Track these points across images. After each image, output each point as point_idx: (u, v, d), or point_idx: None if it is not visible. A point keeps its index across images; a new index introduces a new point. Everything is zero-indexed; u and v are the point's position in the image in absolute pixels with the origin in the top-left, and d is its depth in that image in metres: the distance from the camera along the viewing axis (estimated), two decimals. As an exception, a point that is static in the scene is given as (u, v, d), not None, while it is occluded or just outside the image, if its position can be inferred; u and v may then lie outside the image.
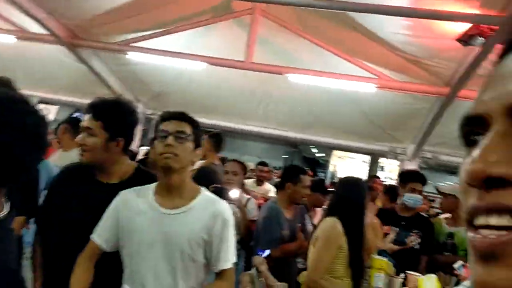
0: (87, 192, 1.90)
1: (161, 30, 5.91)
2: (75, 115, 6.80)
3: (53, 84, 7.61)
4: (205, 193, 1.82)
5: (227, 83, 6.65)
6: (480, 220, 0.37)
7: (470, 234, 0.38)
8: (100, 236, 1.77)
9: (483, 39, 4.01)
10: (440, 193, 3.54)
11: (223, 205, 1.80)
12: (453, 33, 4.33)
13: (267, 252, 2.80)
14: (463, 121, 0.42)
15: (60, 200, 1.92)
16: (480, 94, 0.41)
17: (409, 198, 3.34)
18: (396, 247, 3.15)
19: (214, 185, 3.01)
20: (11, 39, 6.13)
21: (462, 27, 4.19)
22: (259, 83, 6.63)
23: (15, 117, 0.96)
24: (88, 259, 1.76)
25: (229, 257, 1.76)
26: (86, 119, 1.89)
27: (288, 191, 3.16)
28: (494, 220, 0.36)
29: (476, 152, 0.38)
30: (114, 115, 1.92)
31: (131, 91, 7.36)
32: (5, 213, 1.06)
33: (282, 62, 5.77)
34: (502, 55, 0.42)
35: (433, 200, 6.75)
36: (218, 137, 4.11)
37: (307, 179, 3.24)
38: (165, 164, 1.72)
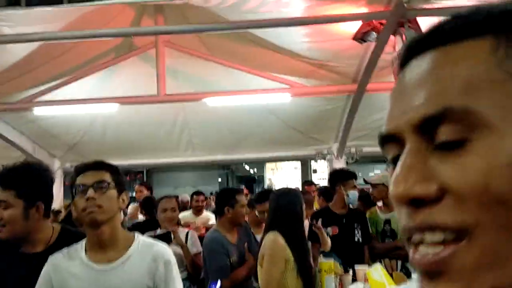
0: (12, 266, 1.75)
1: (64, 79, 5.67)
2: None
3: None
4: (140, 239, 1.74)
5: (144, 120, 6.50)
6: (416, 238, 0.37)
7: (411, 252, 0.38)
8: None
9: (376, 33, 4.30)
10: (369, 184, 3.69)
11: (161, 246, 1.74)
12: (349, 33, 4.59)
13: (219, 284, 2.74)
14: (380, 140, 0.42)
15: None
16: (389, 109, 0.41)
17: (354, 195, 3.46)
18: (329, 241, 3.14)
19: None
20: None
21: (356, 26, 4.46)
22: (177, 113, 6.58)
23: None
24: None
25: None
26: None
27: (228, 215, 3.13)
28: (428, 238, 0.36)
29: (395, 174, 0.38)
30: (26, 180, 1.79)
31: (44, 148, 6.95)
32: None
33: (197, 89, 5.78)
34: (402, 65, 0.42)
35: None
36: None
37: (243, 198, 3.24)
38: (91, 219, 1.63)
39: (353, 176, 3.58)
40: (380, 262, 3.04)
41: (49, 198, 1.87)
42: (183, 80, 5.97)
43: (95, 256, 1.66)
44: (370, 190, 3.79)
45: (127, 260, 1.66)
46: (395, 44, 4.33)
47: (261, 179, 18.66)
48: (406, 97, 0.39)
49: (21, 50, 4.96)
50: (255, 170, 20.00)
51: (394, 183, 0.37)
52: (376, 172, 3.74)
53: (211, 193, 13.77)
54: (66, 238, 1.81)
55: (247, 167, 19.75)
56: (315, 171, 12.74)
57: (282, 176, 15.79)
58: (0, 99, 5.75)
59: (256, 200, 3.30)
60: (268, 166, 16.97)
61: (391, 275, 2.47)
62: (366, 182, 3.73)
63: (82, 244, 1.70)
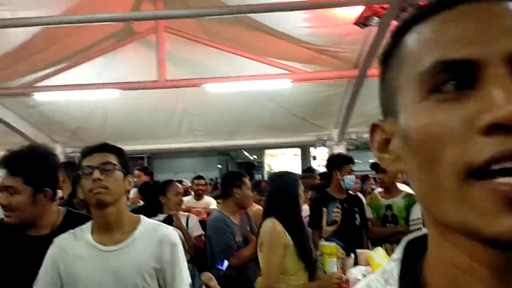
0: (18, 250, 1.76)
1: (65, 64, 5.66)
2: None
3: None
4: (146, 221, 1.76)
5: (145, 105, 6.51)
6: (507, 164, 0.36)
7: (487, 186, 0.37)
8: None
9: (378, 18, 4.27)
10: (379, 168, 3.66)
11: (167, 229, 1.75)
12: (350, 17, 4.57)
13: (226, 263, 2.77)
14: (437, 67, 0.40)
15: None
16: (456, 34, 0.41)
17: (350, 180, 3.46)
18: (330, 228, 3.17)
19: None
20: None
21: (358, 11, 4.44)
22: (177, 99, 6.57)
23: None
24: None
25: (184, 281, 1.72)
26: (3, 177, 1.74)
27: (236, 197, 3.18)
28: None
29: (500, 94, 0.37)
30: (34, 167, 1.78)
31: (45, 133, 6.96)
32: None
33: (197, 74, 5.77)
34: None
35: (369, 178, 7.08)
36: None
37: (248, 181, 3.30)
38: (98, 200, 1.64)
39: (349, 161, 3.57)
40: (381, 246, 3.06)
41: (56, 183, 1.87)
42: (183, 65, 5.96)
43: (101, 238, 1.67)
44: (377, 175, 3.75)
45: (133, 242, 1.67)
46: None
47: (260, 166, 18.70)
48: (493, 25, 0.39)
49: (22, 35, 4.94)
50: (255, 156, 20.04)
51: (506, 102, 0.36)
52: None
53: (211, 179, 13.81)
54: (72, 220, 1.82)
55: (246, 154, 19.78)
56: (314, 157, 12.75)
57: (282, 162, 15.83)
58: (0, 84, 5.74)
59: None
60: (268, 152, 17.00)
61: (392, 258, 2.50)
62: (374, 166, 3.70)
63: (88, 225, 1.72)
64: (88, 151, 1.70)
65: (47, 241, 1.71)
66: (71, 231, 1.71)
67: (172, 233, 1.75)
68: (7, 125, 6.35)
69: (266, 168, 17.08)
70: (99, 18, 4.72)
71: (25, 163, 1.77)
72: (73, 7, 4.76)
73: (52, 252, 1.68)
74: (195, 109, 6.82)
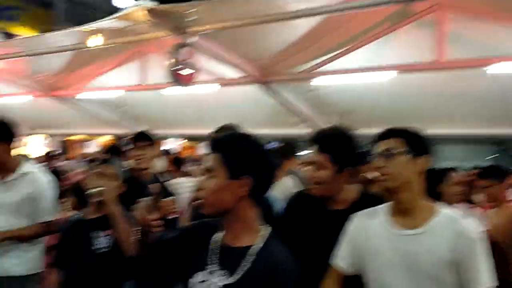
0: (320, 220, 1.97)
1: (340, 51, 5.97)
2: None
3: (250, 120, 8.22)
4: (445, 212, 1.69)
5: (416, 89, 6.28)
6: None
7: None
8: (343, 260, 1.79)
9: None
10: None
11: (467, 223, 1.64)
12: None
13: None
14: None
15: (296, 229, 2.02)
16: None
17: None
18: None
19: None
20: (215, 88, 6.94)
21: None
22: (452, 83, 6.09)
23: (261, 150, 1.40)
24: (335, 283, 1.79)
25: (482, 280, 1.58)
26: (313, 152, 1.96)
27: None
28: None
29: None
30: (342, 148, 1.94)
31: (320, 115, 7.56)
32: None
33: (479, 55, 5.21)
34: None
35: None
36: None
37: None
38: (382, 187, 1.69)
39: None
40: None
41: (358, 163, 2.02)
42: (463, 46, 5.45)
43: (396, 221, 1.69)
44: None
45: (429, 230, 1.63)
46: None
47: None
48: None
49: (304, 26, 5.46)
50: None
51: None
52: None
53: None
54: (366, 199, 1.93)
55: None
56: None
57: None
58: (285, 71, 6.51)
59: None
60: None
61: None
62: None
63: (383, 207, 1.77)
64: (375, 139, 1.75)
65: (343, 215, 1.85)
66: (370, 209, 1.79)
67: (472, 228, 1.63)
68: (290, 106, 7.17)
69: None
70: (377, 2, 4.76)
71: (334, 142, 1.94)
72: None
73: (350, 227, 1.80)
74: (471, 93, 6.19)
